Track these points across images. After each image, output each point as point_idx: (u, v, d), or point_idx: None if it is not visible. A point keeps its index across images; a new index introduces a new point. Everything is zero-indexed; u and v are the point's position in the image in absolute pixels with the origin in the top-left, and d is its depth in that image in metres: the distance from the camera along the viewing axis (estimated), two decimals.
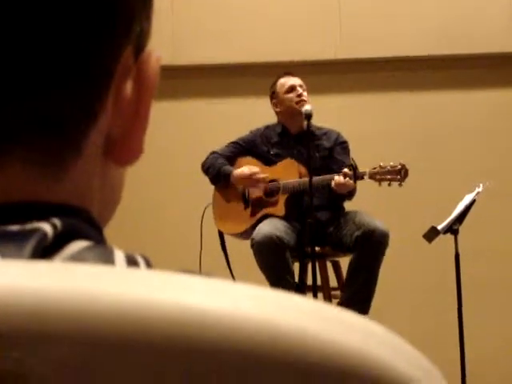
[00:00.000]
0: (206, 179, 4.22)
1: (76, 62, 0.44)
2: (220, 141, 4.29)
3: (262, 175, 4.07)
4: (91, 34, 0.44)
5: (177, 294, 0.33)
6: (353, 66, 5.38)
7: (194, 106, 5.43)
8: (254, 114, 5.02)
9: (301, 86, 4.15)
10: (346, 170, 3.86)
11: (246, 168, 4.10)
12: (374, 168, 3.92)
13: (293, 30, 5.38)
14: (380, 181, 3.90)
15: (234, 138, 4.27)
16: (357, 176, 3.88)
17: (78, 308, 0.31)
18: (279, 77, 4.24)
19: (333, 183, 3.85)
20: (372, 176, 3.91)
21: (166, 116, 5.09)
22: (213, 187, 4.24)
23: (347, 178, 3.83)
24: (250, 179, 4.07)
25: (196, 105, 5.44)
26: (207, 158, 4.22)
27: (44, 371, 0.31)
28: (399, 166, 3.90)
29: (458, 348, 3.82)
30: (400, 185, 3.91)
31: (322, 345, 0.33)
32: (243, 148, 4.22)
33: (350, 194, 4.01)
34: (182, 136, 5.32)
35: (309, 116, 3.90)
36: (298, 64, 5.08)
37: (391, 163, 3.91)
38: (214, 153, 4.23)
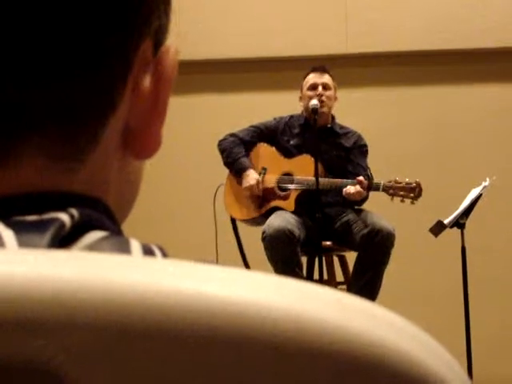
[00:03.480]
0: (215, 164, 4.22)
1: (94, 53, 0.44)
2: (226, 131, 4.29)
3: (258, 194, 4.08)
4: (110, 25, 0.44)
5: (198, 283, 0.33)
6: (361, 60, 5.37)
7: (201, 100, 5.43)
8: (262, 108, 5.03)
9: (325, 85, 4.12)
10: (361, 177, 3.85)
11: (255, 179, 4.09)
12: (389, 182, 3.91)
13: (299, 24, 5.37)
14: (393, 195, 3.90)
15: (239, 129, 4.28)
16: (371, 186, 3.89)
17: (100, 296, 0.31)
18: (310, 71, 4.22)
19: (344, 191, 3.86)
20: (386, 189, 3.90)
21: (175, 110, 5.08)
22: (223, 171, 4.23)
23: (357, 186, 3.83)
24: (250, 191, 4.09)
25: (204, 99, 5.44)
26: (225, 139, 4.21)
27: (65, 359, 0.31)
28: (414, 184, 3.89)
29: (465, 342, 3.82)
30: (412, 203, 3.91)
31: (343, 334, 0.32)
32: (264, 134, 4.22)
33: (362, 201, 4.02)
34: (190, 128, 5.32)
35: (314, 111, 3.91)
36: (306, 58, 5.07)
37: (406, 179, 3.90)
38: (233, 135, 4.21)
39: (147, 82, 0.49)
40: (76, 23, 0.43)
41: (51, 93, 0.44)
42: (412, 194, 3.89)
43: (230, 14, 5.41)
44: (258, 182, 4.09)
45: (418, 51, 5.33)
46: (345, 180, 3.92)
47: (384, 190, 3.91)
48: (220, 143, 4.21)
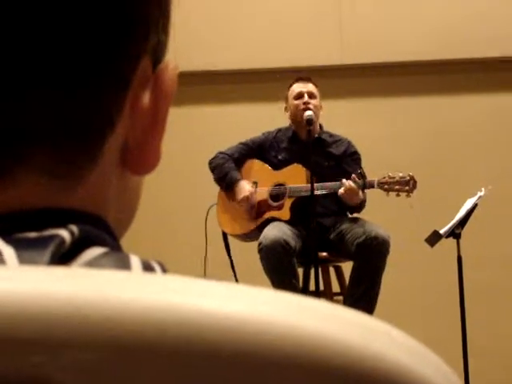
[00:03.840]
0: (210, 181, 4.23)
1: (93, 71, 0.44)
2: (222, 145, 4.30)
3: (254, 205, 4.08)
4: (108, 42, 0.44)
5: (197, 298, 0.33)
6: (355, 71, 5.38)
7: (196, 111, 5.43)
8: (256, 120, 5.03)
9: (310, 94, 4.14)
10: (354, 175, 3.86)
11: (248, 190, 4.09)
12: (384, 178, 3.92)
13: (293, 35, 5.38)
14: (388, 191, 3.91)
15: (234, 143, 4.28)
16: (365, 184, 3.89)
17: (98, 313, 0.32)
18: (294, 81, 4.25)
19: (339, 192, 3.85)
20: (380, 185, 3.91)
21: (170, 121, 5.08)
22: (217, 188, 4.24)
23: (350, 182, 3.83)
24: (246, 202, 4.09)
25: (199, 111, 5.45)
26: (215, 157, 4.22)
27: (64, 377, 0.31)
28: (408, 177, 3.90)
29: (461, 352, 3.81)
30: (408, 196, 3.92)
31: (341, 349, 0.33)
32: (252, 150, 4.23)
33: (360, 206, 4.02)
34: (185, 140, 5.32)
35: (309, 122, 3.92)
36: (301, 70, 5.08)
37: (400, 174, 3.91)
38: (222, 153, 4.22)
39: (146, 98, 0.49)
40: (74, 42, 0.43)
41: (49, 111, 0.44)
42: (407, 187, 3.90)
43: (224, 26, 5.41)
44: (251, 193, 4.09)
45: (413, 61, 5.34)
46: (338, 182, 3.92)
47: (379, 186, 3.92)
48: (210, 162, 4.23)
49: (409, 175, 3.92)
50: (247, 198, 4.07)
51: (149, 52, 0.48)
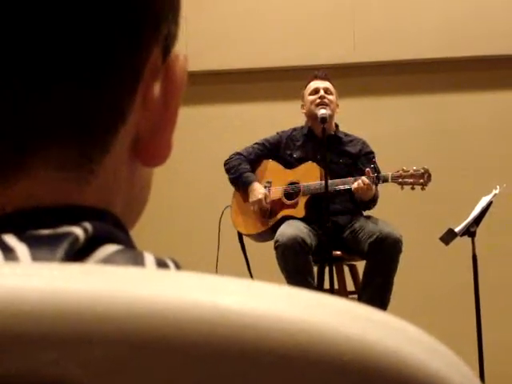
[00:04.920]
0: (223, 182, 4.23)
1: (104, 62, 0.44)
2: (236, 144, 4.30)
3: (266, 208, 4.08)
4: (120, 34, 0.45)
5: (212, 295, 0.33)
6: (369, 69, 5.37)
7: (210, 111, 5.44)
8: (270, 118, 5.03)
9: (326, 90, 4.16)
10: (368, 169, 3.86)
11: (262, 193, 4.09)
12: (398, 171, 3.92)
13: (307, 34, 5.38)
14: (402, 184, 3.91)
15: (248, 143, 4.28)
16: (379, 178, 3.89)
17: (114, 309, 0.31)
18: (312, 78, 4.27)
19: (355, 184, 3.85)
20: (394, 179, 3.91)
21: (182, 121, 5.09)
22: (231, 189, 4.25)
23: (364, 177, 3.83)
24: (259, 204, 4.09)
25: (213, 110, 5.45)
26: (231, 158, 4.24)
27: (79, 374, 0.31)
28: (422, 170, 3.90)
29: (477, 350, 3.80)
30: (423, 189, 3.92)
31: (357, 345, 0.33)
32: (268, 150, 4.24)
33: (373, 201, 4.01)
34: (199, 140, 5.33)
35: (323, 120, 3.92)
36: (314, 68, 5.07)
37: (414, 167, 3.91)
38: (238, 154, 4.24)
39: (157, 89, 0.49)
40: (86, 33, 0.43)
41: (62, 104, 0.44)
42: (421, 180, 3.90)
43: (236, 25, 5.42)
44: (265, 196, 4.09)
45: (426, 59, 5.33)
46: (352, 178, 3.92)
47: (393, 180, 3.92)
48: (226, 162, 4.25)
49: (423, 168, 3.92)
50: (260, 201, 4.08)
51: (160, 43, 0.48)
